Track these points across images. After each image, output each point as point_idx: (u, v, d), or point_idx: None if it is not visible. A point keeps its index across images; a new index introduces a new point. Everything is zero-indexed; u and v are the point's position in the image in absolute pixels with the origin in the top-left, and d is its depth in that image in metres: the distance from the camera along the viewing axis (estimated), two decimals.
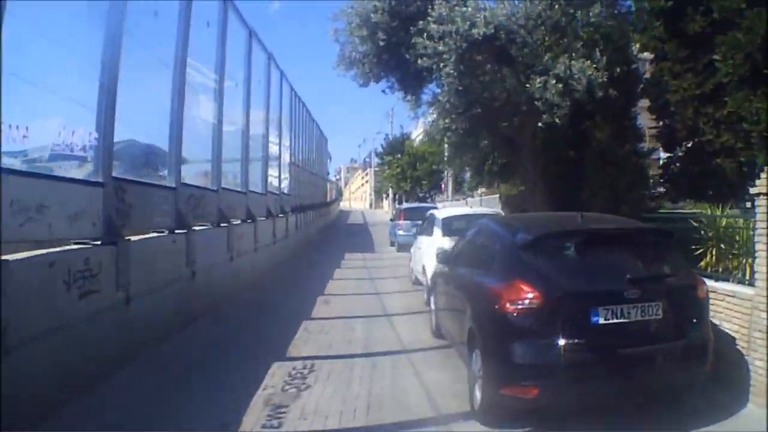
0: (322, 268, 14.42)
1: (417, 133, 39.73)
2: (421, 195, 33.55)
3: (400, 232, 18.80)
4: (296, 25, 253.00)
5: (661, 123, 9.62)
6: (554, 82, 8.20)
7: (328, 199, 41.05)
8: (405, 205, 21.73)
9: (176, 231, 7.94)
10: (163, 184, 7.84)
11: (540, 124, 9.08)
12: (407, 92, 10.39)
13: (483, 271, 4.85)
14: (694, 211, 8.13)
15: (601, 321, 3.83)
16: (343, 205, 78.81)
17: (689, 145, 9.06)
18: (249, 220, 12.13)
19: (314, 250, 19.68)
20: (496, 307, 4.05)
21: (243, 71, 11.96)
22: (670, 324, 3.98)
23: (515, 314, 3.94)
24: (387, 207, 58.31)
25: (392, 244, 20.64)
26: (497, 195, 15.91)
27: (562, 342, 3.79)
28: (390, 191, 49.90)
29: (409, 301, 9.82)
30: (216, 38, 9.87)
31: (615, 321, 3.85)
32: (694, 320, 4.17)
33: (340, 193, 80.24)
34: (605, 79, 8.19)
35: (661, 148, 9.87)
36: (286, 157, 18.20)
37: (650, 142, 9.94)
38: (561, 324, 3.82)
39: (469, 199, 18.04)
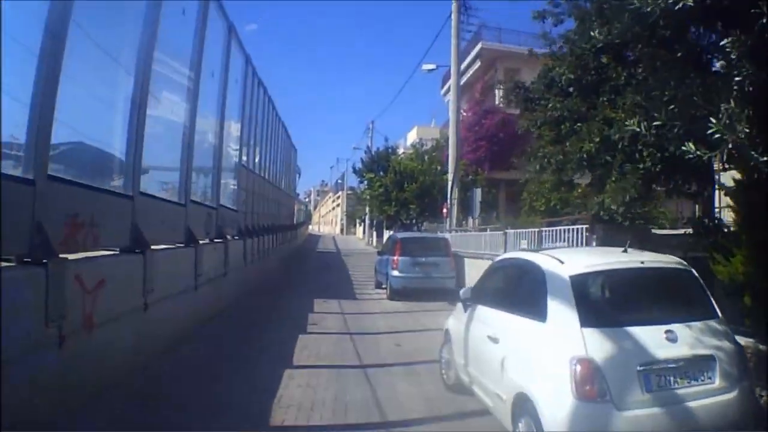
0: (274, 335, 8.63)
1: (403, 150, 34.32)
2: (406, 221, 27.83)
3: (395, 273, 13.13)
4: (273, 47, 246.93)
5: None
6: None
7: (295, 221, 35.11)
8: (403, 234, 16.02)
9: None
10: None
11: None
12: None
13: None
14: None
15: None
16: (312, 228, 72.69)
17: None
18: (137, 250, 6.36)
19: (269, 292, 13.71)
20: None
21: None
22: None
23: None
24: (362, 234, 52.45)
25: (379, 285, 15.00)
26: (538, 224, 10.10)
27: None
28: (366, 216, 44.07)
29: None
30: None
31: None
32: None
33: (309, 216, 74.12)
34: None
35: None
36: (232, 154, 12.41)
37: None
38: None
39: (510, 230, 11.98)
